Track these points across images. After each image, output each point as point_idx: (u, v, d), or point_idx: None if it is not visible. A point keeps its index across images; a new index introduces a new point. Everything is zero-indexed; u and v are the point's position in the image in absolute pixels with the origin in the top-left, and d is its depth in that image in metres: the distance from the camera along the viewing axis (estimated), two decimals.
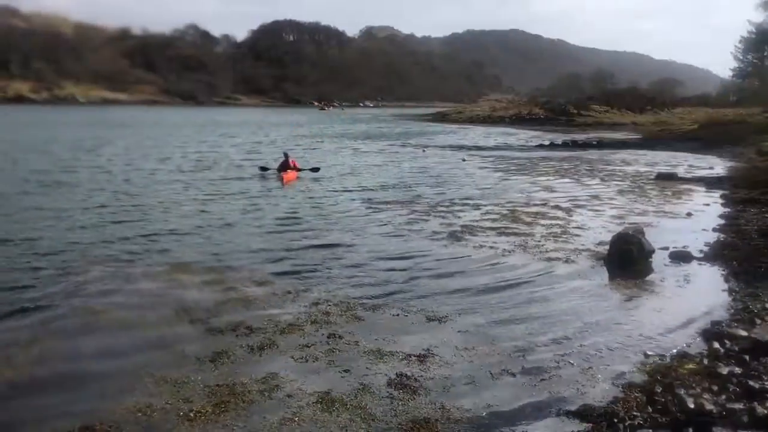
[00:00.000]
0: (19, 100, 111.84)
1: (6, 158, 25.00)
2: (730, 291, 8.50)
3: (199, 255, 10.26)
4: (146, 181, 19.20)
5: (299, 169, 20.51)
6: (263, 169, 21.14)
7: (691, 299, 8.29)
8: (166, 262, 9.76)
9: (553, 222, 13.24)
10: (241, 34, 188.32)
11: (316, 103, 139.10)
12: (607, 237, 10.96)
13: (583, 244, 11.23)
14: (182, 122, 59.73)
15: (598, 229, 12.62)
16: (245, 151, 31.34)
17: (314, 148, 33.70)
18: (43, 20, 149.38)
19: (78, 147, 30.61)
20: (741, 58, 66.45)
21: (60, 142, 34.13)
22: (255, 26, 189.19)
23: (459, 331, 6.98)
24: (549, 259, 10.17)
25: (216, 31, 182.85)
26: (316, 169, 20.97)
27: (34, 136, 37.79)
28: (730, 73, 72.33)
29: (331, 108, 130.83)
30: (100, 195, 16.28)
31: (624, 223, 12.83)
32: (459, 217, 13.77)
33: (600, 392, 5.54)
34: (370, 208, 15.05)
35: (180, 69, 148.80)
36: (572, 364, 6.15)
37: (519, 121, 65.56)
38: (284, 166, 20.36)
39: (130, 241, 11.12)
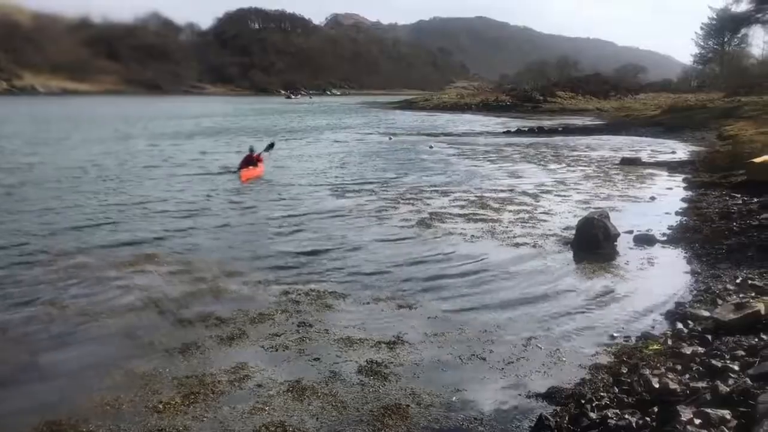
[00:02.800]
0: None
1: None
2: (693, 273, 8.70)
3: (166, 247, 10.14)
4: (102, 173, 18.62)
5: (260, 159, 19.03)
6: (226, 169, 19.44)
7: (655, 281, 8.45)
8: (132, 254, 9.62)
9: (521, 208, 13.37)
10: (205, 22, 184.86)
11: (283, 92, 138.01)
12: (574, 222, 11.12)
13: (550, 230, 11.37)
14: (137, 115, 58.60)
15: (564, 214, 12.78)
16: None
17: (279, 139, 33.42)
18: (0, 9, 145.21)
19: (31, 141, 29.93)
20: (702, 44, 67.63)
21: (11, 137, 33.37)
22: (220, 14, 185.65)
23: (428, 318, 7.04)
24: (517, 245, 10.28)
25: (179, 20, 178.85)
26: (270, 146, 20.39)
27: None
28: (691, 59, 73.60)
29: (299, 96, 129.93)
30: (59, 190, 15.91)
31: (589, 207, 13.02)
32: (428, 204, 13.81)
33: (567, 374, 5.64)
34: (338, 197, 15.00)
35: (143, 58, 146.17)
36: (540, 347, 6.25)
37: (486, 107, 65.79)
38: (247, 162, 18.69)
39: (95, 234, 10.93)
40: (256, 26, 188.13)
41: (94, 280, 8.29)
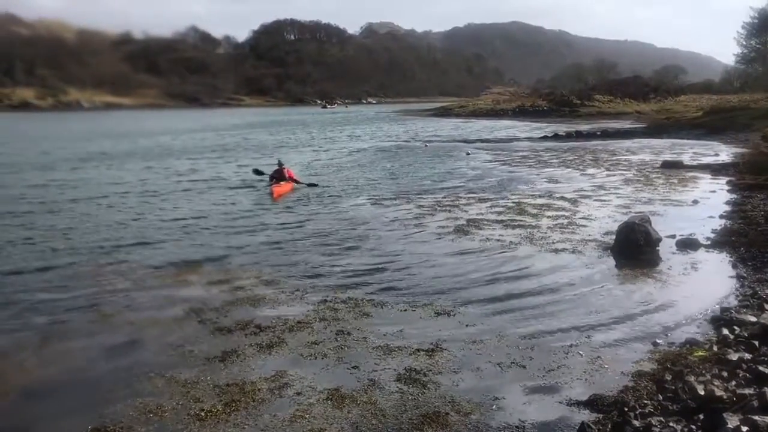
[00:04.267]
0: (25, 106, 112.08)
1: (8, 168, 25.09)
2: (738, 277, 8.48)
3: (205, 257, 10.27)
4: (145, 189, 18.75)
5: (296, 181, 18.05)
6: (257, 172, 19.32)
7: (699, 286, 8.27)
8: (172, 264, 9.80)
9: (559, 213, 13.21)
10: (242, 35, 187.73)
11: (318, 102, 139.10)
12: (614, 227, 10.93)
13: (589, 235, 11.21)
14: (179, 128, 59.57)
15: (604, 219, 12.59)
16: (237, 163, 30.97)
17: (315, 149, 33.66)
18: (45, 27, 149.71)
19: (76, 158, 30.71)
20: (744, 43, 66.06)
21: (55, 154, 34.28)
22: (256, 26, 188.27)
23: (467, 325, 7.00)
24: (556, 251, 10.16)
25: (217, 33, 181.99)
26: (313, 185, 18.09)
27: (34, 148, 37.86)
28: (734, 59, 71.91)
29: (335, 105, 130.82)
30: (101, 202, 16.28)
31: (630, 212, 12.79)
32: (465, 211, 13.75)
33: (609, 382, 5.54)
34: (375, 205, 15.03)
35: (182, 71, 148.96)
36: (581, 354, 6.15)
37: (522, 113, 65.25)
38: (278, 176, 17.92)
39: (140, 247, 11.11)
40: (292, 37, 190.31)
41: (138, 292, 8.44)
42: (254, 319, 7.22)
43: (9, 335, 6.95)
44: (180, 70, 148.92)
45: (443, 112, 78.08)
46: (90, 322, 7.32)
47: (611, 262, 9.61)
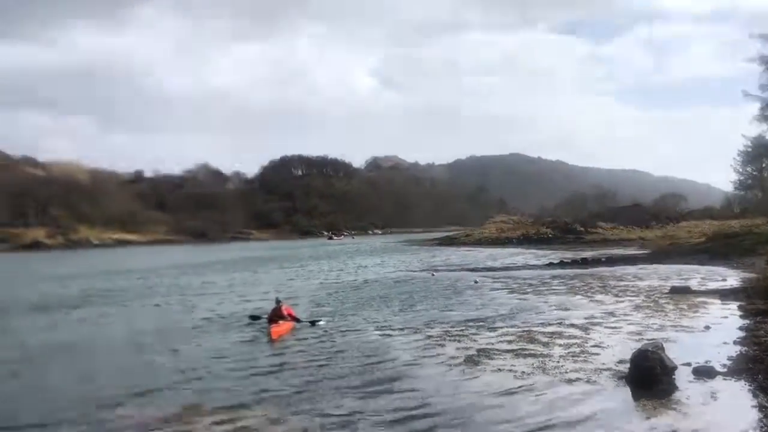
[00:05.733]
0: (35, 246, 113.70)
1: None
2: (760, 407, 8.21)
3: (207, 399, 9.91)
4: (139, 330, 18.03)
5: (296, 319, 17.11)
6: (254, 318, 18.10)
7: (719, 418, 8.00)
8: (174, 404, 9.57)
9: (570, 341, 13.01)
10: (251, 170, 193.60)
11: (325, 233, 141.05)
12: (627, 354, 10.71)
13: (603, 363, 10.98)
14: (183, 263, 59.97)
15: (616, 346, 12.38)
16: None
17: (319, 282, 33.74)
18: (61, 169, 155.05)
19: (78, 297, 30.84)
20: (740, 170, 67.68)
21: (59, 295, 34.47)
22: (265, 162, 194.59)
23: None
24: (569, 381, 9.92)
25: (226, 169, 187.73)
26: (314, 323, 17.12)
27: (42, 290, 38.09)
28: (732, 186, 73.37)
29: (342, 237, 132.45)
30: (97, 346, 16.13)
31: (642, 339, 12.58)
32: (475, 341, 13.56)
33: None
34: (383, 336, 14.84)
35: (191, 207, 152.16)
36: None
37: (527, 241, 65.85)
38: (276, 316, 16.91)
39: (137, 394, 10.81)
40: (300, 172, 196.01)
41: None
42: None
43: None
44: (188, 206, 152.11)
45: (449, 242, 78.81)
46: None
47: (627, 392, 9.36)
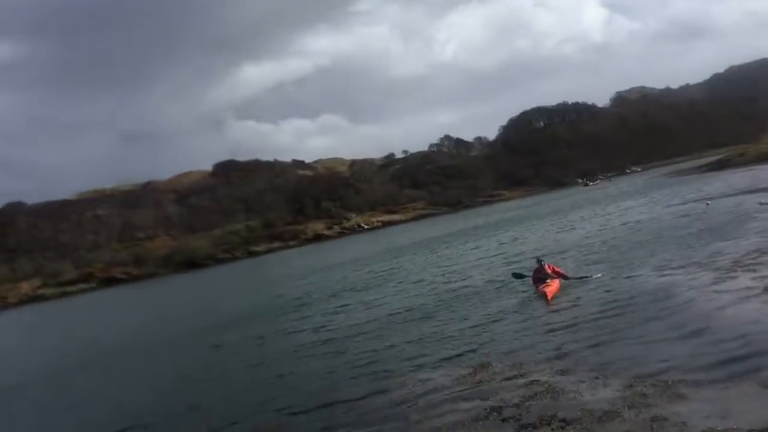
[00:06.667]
0: (318, 238, 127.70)
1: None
2: None
3: (494, 355, 10.35)
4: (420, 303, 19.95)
5: (564, 276, 16.12)
6: (518, 276, 17.46)
7: None
8: (467, 365, 10.04)
9: None
10: (492, 133, 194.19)
11: (579, 181, 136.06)
12: None
13: None
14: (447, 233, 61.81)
15: None
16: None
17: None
18: (324, 165, 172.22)
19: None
20: None
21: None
22: (504, 122, 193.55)
23: None
24: None
25: (468, 136, 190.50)
26: (585, 278, 15.98)
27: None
28: None
29: (597, 182, 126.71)
30: (381, 312, 17.46)
31: None
32: None
33: None
34: (663, 275, 13.94)
35: (442, 179, 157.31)
36: None
37: None
38: (540, 276, 16.08)
39: (435, 350, 11.68)
40: (541, 124, 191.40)
41: (440, 395, 8.76)
42: (558, 412, 7.02)
43: None
44: (439, 179, 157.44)
45: (720, 165, 71.09)
46: (395, 425, 7.82)
47: None
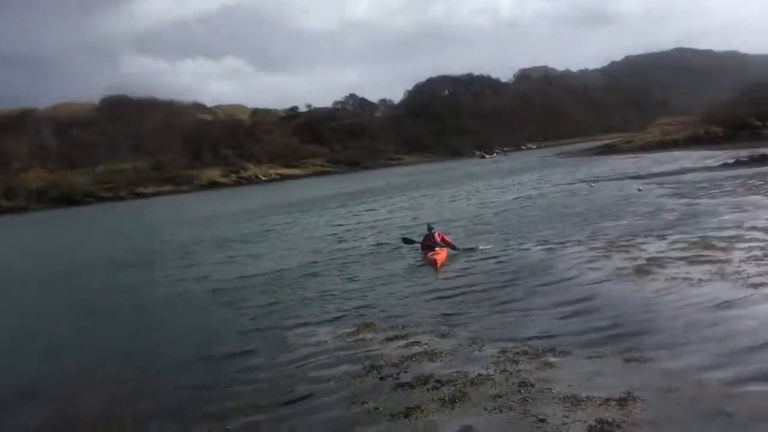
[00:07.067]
0: (213, 185, 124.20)
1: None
2: None
3: (379, 316, 10.47)
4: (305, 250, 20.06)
5: (452, 246, 16.03)
6: (407, 241, 17.48)
7: None
8: (352, 324, 10.12)
9: (752, 244, 12.05)
10: (397, 96, 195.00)
11: (477, 153, 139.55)
12: None
13: None
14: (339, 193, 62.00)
15: None
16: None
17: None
18: (225, 111, 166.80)
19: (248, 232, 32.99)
20: None
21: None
22: (410, 87, 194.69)
23: (661, 371, 6.51)
24: (753, 285, 9.23)
25: (373, 97, 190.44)
26: (472, 249, 16.10)
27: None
28: None
29: (494, 155, 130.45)
30: (269, 267, 17.35)
31: None
32: (643, 250, 12.96)
33: None
34: (545, 250, 14.62)
35: (344, 138, 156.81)
36: None
37: (695, 142, 60.90)
38: (429, 243, 15.97)
39: (319, 308, 11.69)
40: (446, 92, 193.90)
41: (318, 349, 8.81)
42: (434, 373, 7.22)
43: (209, 396, 7.52)
44: (341, 137, 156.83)
45: (608, 150, 74.95)
46: (276, 378, 7.75)
47: None
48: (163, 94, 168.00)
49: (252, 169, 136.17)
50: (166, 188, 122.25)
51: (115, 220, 58.20)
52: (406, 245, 17.38)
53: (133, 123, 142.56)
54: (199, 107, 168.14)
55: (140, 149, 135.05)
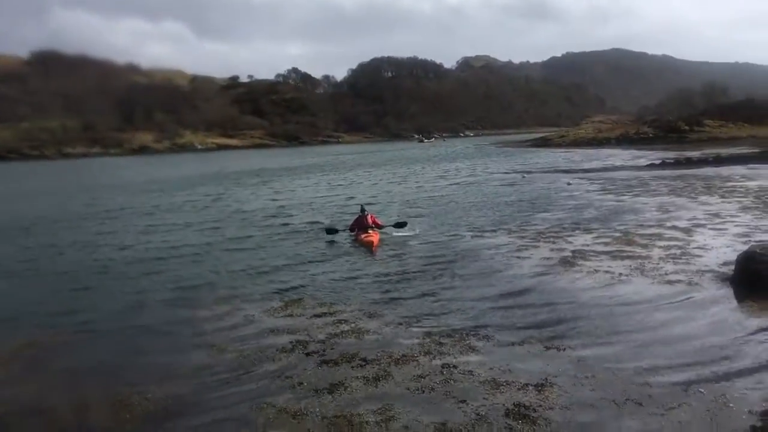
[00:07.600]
0: (144, 150, 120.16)
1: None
2: None
3: (309, 293, 10.41)
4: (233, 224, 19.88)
5: (380, 226, 15.90)
6: (330, 231, 16.26)
7: None
8: (277, 298, 10.06)
9: (671, 243, 12.61)
10: (340, 74, 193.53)
11: (416, 136, 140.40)
12: (732, 256, 10.30)
13: (706, 265, 10.62)
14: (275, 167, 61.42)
15: (721, 248, 11.90)
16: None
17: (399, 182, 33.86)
18: (162, 75, 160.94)
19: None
20: None
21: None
22: (354, 66, 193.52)
23: (578, 359, 6.76)
24: (669, 282, 9.68)
25: (317, 73, 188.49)
26: (401, 225, 16.08)
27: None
28: None
29: (432, 139, 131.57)
30: (199, 239, 17.06)
31: (750, 241, 12.00)
32: (569, 242, 13.39)
33: (735, 421, 5.18)
34: (476, 238, 14.89)
35: (284, 112, 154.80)
36: (702, 392, 5.80)
37: (626, 141, 63.10)
38: (361, 225, 15.76)
39: (249, 283, 11.55)
40: (389, 74, 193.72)
41: (248, 325, 8.73)
42: (359, 351, 7.28)
43: (132, 366, 7.36)
44: (282, 111, 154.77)
45: (542, 143, 76.73)
46: (201, 354, 7.63)
47: (731, 294, 9.04)
48: (96, 52, 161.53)
49: (188, 137, 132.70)
50: (95, 150, 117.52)
51: (39, 179, 55.70)
52: (330, 236, 16.06)
53: (63, 80, 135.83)
54: (134, 69, 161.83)
55: (70, 108, 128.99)
